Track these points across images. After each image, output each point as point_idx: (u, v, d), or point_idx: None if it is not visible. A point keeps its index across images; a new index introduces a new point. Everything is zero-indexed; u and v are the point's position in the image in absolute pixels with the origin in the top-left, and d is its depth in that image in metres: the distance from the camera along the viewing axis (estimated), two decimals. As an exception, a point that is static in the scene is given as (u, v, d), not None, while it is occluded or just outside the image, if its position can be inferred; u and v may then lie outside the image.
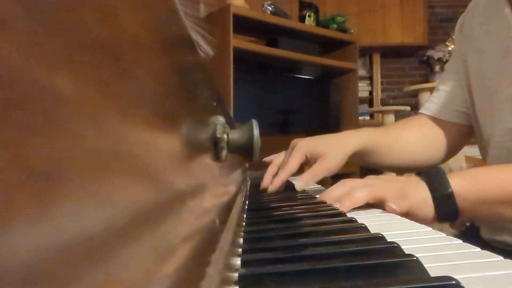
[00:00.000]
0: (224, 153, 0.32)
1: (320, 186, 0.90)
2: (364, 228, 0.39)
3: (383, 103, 3.70)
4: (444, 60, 3.49)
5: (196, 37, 0.28)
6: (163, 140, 0.17)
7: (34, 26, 0.08)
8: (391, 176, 0.62)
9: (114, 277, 0.10)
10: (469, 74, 0.81)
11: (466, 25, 0.85)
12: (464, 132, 0.87)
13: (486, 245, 0.71)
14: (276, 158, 0.80)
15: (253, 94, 2.47)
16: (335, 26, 2.89)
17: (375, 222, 0.46)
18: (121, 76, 0.12)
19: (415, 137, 0.88)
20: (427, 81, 3.45)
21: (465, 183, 0.57)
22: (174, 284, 0.14)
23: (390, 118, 2.88)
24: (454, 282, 0.22)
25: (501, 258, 0.30)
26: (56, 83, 0.08)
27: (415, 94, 2.95)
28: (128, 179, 0.12)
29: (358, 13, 3.52)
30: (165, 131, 0.17)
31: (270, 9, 2.60)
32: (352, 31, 3.01)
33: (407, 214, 0.54)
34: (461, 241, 0.35)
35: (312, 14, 2.80)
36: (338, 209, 0.51)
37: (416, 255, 0.27)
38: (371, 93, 3.76)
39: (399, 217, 0.50)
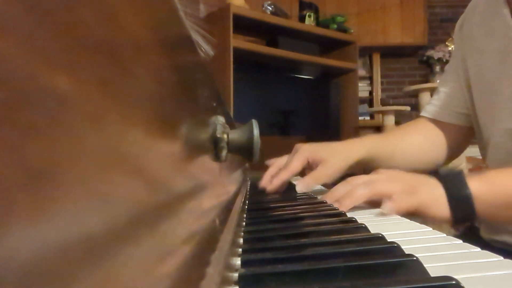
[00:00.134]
0: (224, 153, 0.32)
1: (321, 186, 0.90)
2: (364, 228, 0.39)
3: (383, 103, 3.70)
4: (444, 60, 3.49)
5: (196, 37, 0.28)
6: (163, 140, 0.17)
7: (34, 26, 0.08)
8: (400, 171, 0.60)
9: (114, 277, 0.10)
10: (469, 75, 0.82)
11: (465, 25, 0.85)
12: (465, 134, 0.87)
13: (486, 245, 0.71)
14: (278, 160, 0.81)
15: (253, 94, 2.47)
16: (335, 26, 2.89)
17: (375, 222, 0.46)
18: (121, 76, 0.12)
19: (417, 141, 0.88)
20: (427, 81, 3.45)
21: (486, 186, 0.54)
22: (174, 284, 0.14)
23: (390, 118, 2.88)
24: (454, 282, 0.22)
25: (501, 258, 0.30)
26: (56, 83, 0.08)
27: (415, 94, 2.95)
28: (128, 179, 0.12)
29: (358, 13, 3.51)
30: (165, 131, 0.17)
31: (270, 9, 2.60)
32: (352, 31, 3.01)
33: (415, 212, 0.52)
34: (461, 241, 0.35)
35: (312, 14, 2.80)
36: (338, 209, 0.51)
37: (416, 255, 0.27)
38: (371, 93, 3.76)
39: (399, 217, 0.50)
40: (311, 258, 0.30)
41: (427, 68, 3.71)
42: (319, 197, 0.62)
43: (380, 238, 0.33)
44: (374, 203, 0.55)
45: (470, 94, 0.82)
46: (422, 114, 0.92)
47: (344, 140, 0.84)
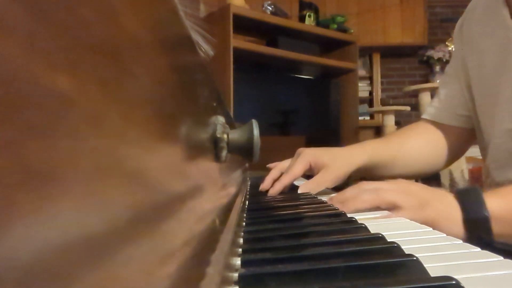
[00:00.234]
0: (224, 153, 0.32)
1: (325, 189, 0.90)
2: (364, 228, 0.39)
3: (383, 103, 3.70)
4: (444, 60, 3.49)
5: (196, 37, 0.28)
6: (163, 140, 0.17)
7: (34, 26, 0.08)
8: (416, 183, 0.57)
9: (114, 277, 0.10)
10: (469, 76, 0.82)
11: (465, 26, 0.85)
12: (466, 136, 0.87)
13: (486, 245, 0.71)
14: (280, 164, 0.81)
15: (253, 94, 2.47)
16: (335, 26, 2.89)
17: (375, 222, 0.46)
18: (121, 76, 0.12)
19: (418, 144, 0.88)
20: (427, 81, 3.45)
21: (504, 204, 0.51)
22: (174, 284, 0.14)
23: (390, 118, 2.88)
24: (454, 282, 0.22)
25: (501, 258, 0.30)
26: (56, 83, 0.08)
27: (415, 94, 2.95)
28: (128, 179, 0.12)
29: (358, 13, 3.51)
30: (165, 131, 0.17)
31: (270, 9, 2.60)
32: (352, 31, 3.01)
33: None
34: (461, 241, 0.35)
35: (312, 14, 2.80)
36: (338, 209, 0.51)
37: (416, 255, 0.27)
38: (371, 93, 3.76)
39: (399, 217, 0.50)
40: (311, 258, 0.30)
41: (427, 68, 3.72)
42: (326, 199, 0.62)
43: (380, 238, 0.33)
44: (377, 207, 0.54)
45: (471, 95, 0.82)
46: (423, 116, 0.92)
47: (345, 144, 0.84)
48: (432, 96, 0.95)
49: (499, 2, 0.74)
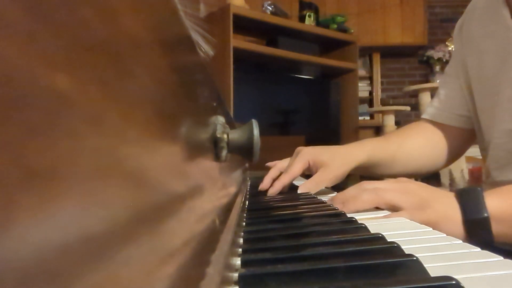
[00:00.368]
0: (224, 153, 0.32)
1: (324, 188, 0.91)
2: (364, 228, 0.39)
3: (383, 103, 3.70)
4: (444, 60, 3.49)
5: (196, 37, 0.28)
6: (163, 140, 0.17)
7: (34, 26, 0.08)
8: (417, 182, 0.56)
9: (114, 277, 0.10)
10: (469, 76, 0.82)
11: (465, 26, 0.85)
12: (466, 136, 0.87)
13: (487, 244, 0.71)
14: (279, 163, 0.81)
15: (253, 94, 2.47)
16: (335, 26, 2.89)
17: (375, 222, 0.46)
18: (121, 76, 0.12)
19: (418, 143, 0.88)
20: (427, 81, 3.45)
21: (503, 204, 0.51)
22: (174, 284, 0.14)
23: (390, 118, 2.88)
24: (454, 282, 0.22)
25: (501, 258, 0.30)
26: (56, 83, 0.08)
27: (415, 94, 2.95)
28: (128, 179, 0.12)
29: (358, 13, 3.52)
30: (165, 131, 0.17)
31: (270, 9, 2.60)
32: (352, 31, 3.01)
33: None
34: (461, 241, 0.35)
35: (312, 14, 2.80)
36: (338, 209, 0.51)
37: (416, 255, 0.27)
38: (371, 93, 3.76)
39: (399, 217, 0.50)
40: (311, 258, 0.30)
41: (427, 68, 3.72)
42: (325, 199, 0.62)
43: (380, 238, 0.33)
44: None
45: (471, 95, 0.82)
46: (423, 116, 0.92)
47: (345, 144, 0.84)
48: (432, 96, 0.95)
49: (499, 2, 0.74)
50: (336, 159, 0.75)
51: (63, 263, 0.08)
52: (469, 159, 2.48)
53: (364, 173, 0.86)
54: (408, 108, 3.03)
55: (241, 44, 2.24)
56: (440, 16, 3.77)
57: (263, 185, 0.76)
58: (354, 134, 2.84)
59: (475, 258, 0.31)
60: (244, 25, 2.36)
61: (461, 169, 2.46)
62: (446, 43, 3.58)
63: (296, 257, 0.30)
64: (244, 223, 0.44)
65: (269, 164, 0.83)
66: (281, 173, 0.76)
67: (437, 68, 3.60)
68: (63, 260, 0.08)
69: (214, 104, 0.35)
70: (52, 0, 0.08)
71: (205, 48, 0.31)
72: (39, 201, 0.07)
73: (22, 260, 0.07)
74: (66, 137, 0.09)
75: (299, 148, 0.78)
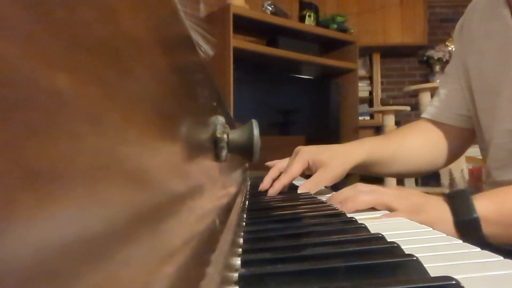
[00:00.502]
0: (224, 153, 0.32)
1: (323, 187, 0.90)
2: (364, 228, 0.39)
3: (383, 103, 3.70)
4: (444, 60, 3.49)
5: (196, 37, 0.28)
6: (163, 140, 0.17)
7: (34, 26, 0.08)
8: (409, 189, 0.59)
9: (114, 277, 0.10)
10: (470, 76, 0.82)
11: (465, 27, 0.85)
12: (466, 136, 0.87)
13: (486, 244, 0.71)
14: (278, 163, 0.81)
15: (253, 94, 2.47)
16: (335, 26, 2.89)
17: (375, 222, 0.46)
18: (121, 76, 0.12)
19: (417, 142, 0.88)
20: (427, 81, 3.45)
21: (494, 206, 0.53)
22: (174, 284, 0.14)
23: (390, 118, 2.88)
24: (454, 282, 0.22)
25: (501, 258, 0.30)
26: (56, 83, 0.08)
27: (415, 94, 2.95)
28: (128, 179, 0.12)
29: (358, 13, 3.51)
30: (165, 131, 0.17)
31: (270, 9, 2.60)
32: (352, 31, 3.01)
33: None
34: (461, 241, 0.35)
35: (312, 14, 2.80)
36: (338, 209, 0.51)
37: (416, 255, 0.27)
38: (371, 93, 3.76)
39: (399, 217, 0.50)
40: (311, 258, 0.30)
41: (427, 68, 3.71)
42: (324, 198, 0.62)
43: (380, 238, 0.33)
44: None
45: (471, 95, 0.82)
46: (422, 115, 0.91)
47: (344, 143, 0.84)
48: (432, 96, 0.95)
49: (500, 2, 0.74)
50: (335, 158, 0.75)
51: (63, 263, 0.08)
52: (469, 159, 2.48)
53: (363, 172, 0.86)
54: (408, 108, 3.03)
55: (241, 44, 2.24)
56: (440, 16, 3.77)
57: (263, 186, 0.76)
58: (354, 134, 2.84)
59: (475, 258, 0.31)
60: (244, 25, 2.36)
61: (461, 169, 2.46)
62: (446, 43, 3.57)
63: (296, 257, 0.30)
64: (244, 223, 0.44)
65: (268, 163, 0.83)
66: (281, 173, 0.76)
67: (437, 68, 3.59)
68: (63, 260, 0.08)
69: (214, 104, 0.35)
70: (52, 0, 0.08)
71: (205, 48, 0.31)
72: (39, 201, 0.07)
73: (22, 260, 0.07)
74: (66, 137, 0.09)
75: (299, 147, 0.78)
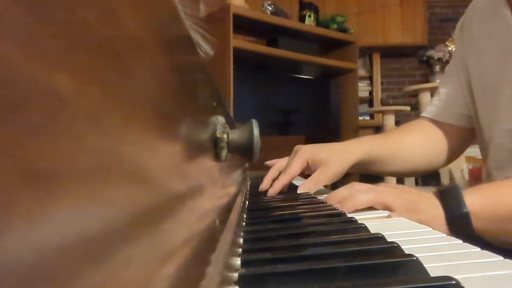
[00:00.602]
0: (224, 153, 0.32)
1: (322, 187, 0.90)
2: (364, 228, 0.39)
3: (383, 103, 3.70)
4: (444, 60, 3.49)
5: (196, 37, 0.28)
6: (163, 140, 0.17)
7: (34, 26, 0.08)
8: (404, 187, 0.61)
9: (114, 277, 0.10)
10: (470, 76, 0.82)
11: (466, 26, 0.85)
12: (466, 135, 0.87)
13: (487, 244, 0.71)
14: (278, 162, 0.81)
15: (253, 94, 2.47)
16: (335, 26, 2.89)
17: (375, 222, 0.46)
18: (120, 76, 0.12)
19: (417, 141, 0.88)
20: (427, 81, 3.45)
21: (483, 201, 0.54)
22: (174, 284, 0.14)
23: (390, 118, 2.88)
24: (454, 282, 0.22)
25: (501, 258, 0.30)
26: (56, 83, 0.08)
27: (415, 94, 2.95)
28: (128, 179, 0.12)
29: (358, 13, 3.51)
30: (165, 131, 0.17)
31: (270, 9, 2.60)
32: (352, 31, 3.01)
33: None
34: (461, 241, 0.35)
35: (312, 14, 2.80)
36: (338, 209, 0.51)
37: (416, 255, 0.27)
38: (371, 93, 3.76)
39: (399, 217, 0.50)
40: (311, 258, 0.30)
41: (427, 68, 3.71)
42: (321, 198, 0.62)
43: (380, 238, 0.33)
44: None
45: (471, 95, 0.82)
46: (422, 114, 0.91)
47: (343, 141, 0.84)
48: (432, 96, 0.95)
49: (501, 2, 0.74)
50: (334, 156, 0.75)
51: (63, 263, 0.08)
52: (469, 159, 2.48)
53: (362, 171, 0.86)
54: (408, 108, 3.03)
55: (241, 44, 2.24)
56: (440, 16, 3.77)
57: (263, 186, 0.76)
58: (354, 134, 2.84)
59: (475, 258, 0.31)
60: (244, 25, 2.36)
61: (461, 169, 2.46)
62: (446, 43, 3.57)
63: (296, 257, 0.30)
64: (244, 223, 0.44)
65: (267, 163, 0.83)
66: (280, 173, 0.76)
67: (437, 68, 3.59)
68: (62, 259, 0.08)
69: (214, 104, 0.35)
70: (52, 0, 0.08)
71: (205, 48, 0.31)
72: (39, 201, 0.07)
73: (21, 260, 0.07)
74: (66, 137, 0.09)
75: (297, 146, 0.78)
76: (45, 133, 0.08)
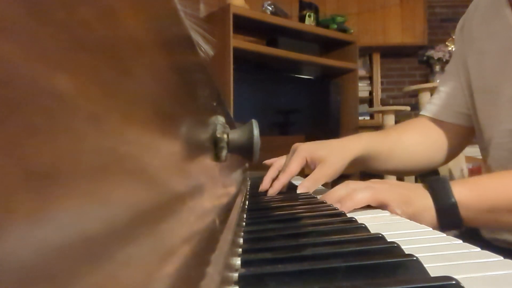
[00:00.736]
0: (224, 153, 0.32)
1: (321, 186, 0.90)
2: (364, 228, 0.39)
3: (383, 103, 3.70)
4: (444, 60, 3.49)
5: (196, 37, 0.28)
6: (163, 140, 0.17)
7: (34, 26, 0.08)
8: (396, 181, 0.62)
9: (114, 277, 0.10)
10: (470, 76, 0.81)
11: (466, 26, 0.84)
12: (465, 134, 0.87)
13: (487, 244, 0.71)
14: (277, 162, 0.80)
15: (253, 94, 2.47)
16: (335, 26, 2.89)
17: (375, 222, 0.46)
18: (121, 76, 0.12)
19: (416, 139, 0.88)
20: (427, 81, 3.45)
21: (470, 192, 0.56)
22: (174, 284, 0.14)
23: (390, 118, 2.88)
24: (454, 282, 0.22)
25: (501, 258, 0.30)
26: (56, 83, 0.08)
27: (415, 94, 2.95)
28: (128, 179, 0.12)
29: (358, 13, 3.51)
30: (165, 131, 0.17)
31: (270, 9, 2.60)
32: (352, 31, 3.01)
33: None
34: (461, 241, 0.35)
35: (312, 14, 2.80)
36: (338, 209, 0.51)
37: (416, 255, 0.27)
38: (371, 93, 3.76)
39: (399, 217, 0.50)
40: (311, 258, 0.30)
41: (427, 68, 3.72)
42: (319, 197, 0.62)
43: (380, 238, 0.33)
44: (371, 208, 0.56)
45: (471, 95, 0.82)
46: (422, 113, 0.91)
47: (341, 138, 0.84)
48: (432, 96, 0.95)
49: (502, 2, 0.74)
50: (333, 153, 0.75)
51: (63, 263, 0.08)
52: (469, 159, 2.48)
53: (361, 168, 0.86)
54: (408, 108, 3.03)
55: (241, 44, 2.24)
56: (440, 16, 3.77)
57: (263, 186, 0.76)
58: (354, 134, 2.84)
59: (475, 258, 0.31)
60: (244, 25, 2.36)
61: (461, 168, 2.46)
62: (446, 43, 3.58)
63: (296, 257, 0.30)
64: (244, 223, 0.44)
65: (266, 162, 0.83)
66: (280, 172, 0.76)
67: (437, 68, 3.60)
68: (62, 259, 0.08)
69: (214, 104, 0.35)
70: (52, 0, 0.08)
71: (205, 48, 0.31)
72: (39, 201, 0.07)
73: (22, 260, 0.07)
74: (66, 137, 0.09)
75: (296, 144, 0.78)
76: (45, 133, 0.08)
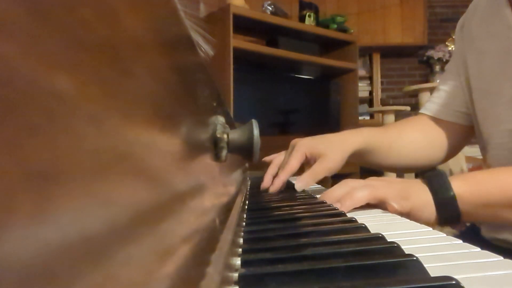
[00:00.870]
0: (224, 153, 0.32)
1: (320, 186, 0.90)
2: (364, 228, 0.39)
3: (383, 103, 3.70)
4: (444, 60, 3.49)
5: (196, 37, 0.28)
6: (163, 140, 0.17)
7: (34, 26, 0.08)
8: (393, 178, 0.62)
9: (114, 277, 0.10)
10: (469, 76, 0.81)
11: (466, 26, 0.84)
12: (464, 133, 0.87)
13: (487, 244, 0.71)
14: (276, 158, 0.80)
15: (253, 94, 2.47)
16: (335, 26, 2.89)
17: (375, 222, 0.46)
18: (121, 76, 0.12)
19: (415, 137, 0.88)
20: (427, 81, 3.45)
21: (467, 186, 0.57)
22: (174, 284, 0.14)
23: (390, 118, 2.88)
24: (454, 282, 0.22)
25: (501, 258, 0.30)
26: (56, 83, 0.08)
27: (415, 94, 2.95)
28: (128, 179, 0.12)
29: (358, 13, 3.52)
30: (165, 131, 0.17)
31: (270, 9, 2.60)
32: (352, 31, 3.01)
33: (409, 215, 0.54)
34: (461, 241, 0.35)
35: (312, 14, 2.80)
36: (338, 209, 0.51)
37: (416, 255, 0.27)
38: (371, 93, 3.76)
39: (399, 217, 0.50)
40: (311, 258, 0.30)
41: (427, 68, 3.72)
42: (318, 197, 0.62)
43: (380, 238, 0.33)
44: (371, 206, 0.56)
45: (470, 95, 0.82)
46: (421, 111, 0.91)
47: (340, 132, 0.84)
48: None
49: (502, 2, 0.74)
50: (333, 147, 0.74)
51: (63, 263, 0.08)
52: (469, 159, 2.48)
53: (360, 163, 0.86)
54: (408, 108, 3.03)
55: (241, 44, 2.24)
56: (440, 16, 3.77)
57: (264, 184, 0.76)
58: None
59: (475, 258, 0.31)
60: (244, 25, 2.36)
61: (461, 168, 2.46)
62: (446, 43, 3.58)
63: (296, 257, 0.30)
64: (244, 223, 0.44)
65: (265, 159, 0.83)
66: (279, 169, 0.76)
67: (437, 68, 3.60)
68: (62, 259, 0.08)
69: (214, 104, 0.35)
70: (52, 0, 0.08)
71: (205, 48, 0.31)
72: (39, 201, 0.07)
73: (22, 260, 0.07)
74: (66, 136, 0.09)
75: (294, 140, 0.78)
76: (45, 133, 0.08)
